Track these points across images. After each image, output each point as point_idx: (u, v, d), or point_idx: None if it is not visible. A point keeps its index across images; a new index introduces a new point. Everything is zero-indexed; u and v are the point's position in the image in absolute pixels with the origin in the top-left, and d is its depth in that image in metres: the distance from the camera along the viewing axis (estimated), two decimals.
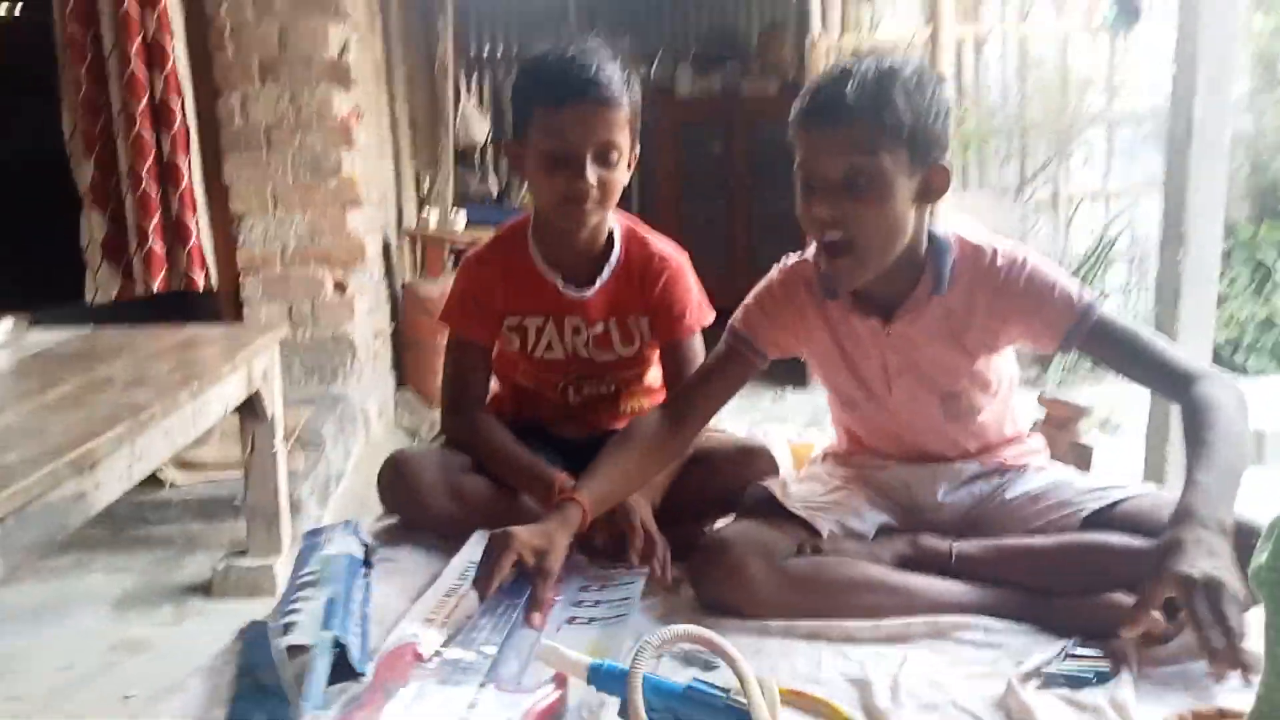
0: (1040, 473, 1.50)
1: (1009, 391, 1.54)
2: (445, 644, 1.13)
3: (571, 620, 1.27)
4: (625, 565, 1.39)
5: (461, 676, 1.06)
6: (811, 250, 1.44)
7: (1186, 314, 2.77)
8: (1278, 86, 5.16)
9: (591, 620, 1.26)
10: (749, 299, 1.52)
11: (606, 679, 0.94)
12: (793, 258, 1.51)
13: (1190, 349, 2.78)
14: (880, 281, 1.38)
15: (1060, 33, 4.93)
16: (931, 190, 1.33)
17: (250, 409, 2.42)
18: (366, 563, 1.29)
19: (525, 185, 1.77)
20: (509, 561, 1.23)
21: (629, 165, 1.52)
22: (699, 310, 1.65)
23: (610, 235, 1.61)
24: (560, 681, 1.02)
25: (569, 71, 1.42)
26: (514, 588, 1.24)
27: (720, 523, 1.52)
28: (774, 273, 1.52)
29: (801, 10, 4.83)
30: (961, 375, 1.45)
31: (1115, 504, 1.34)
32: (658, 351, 1.67)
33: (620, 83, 1.45)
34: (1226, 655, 1.02)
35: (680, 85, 6.48)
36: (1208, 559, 1.07)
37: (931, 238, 1.39)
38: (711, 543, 1.35)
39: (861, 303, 1.43)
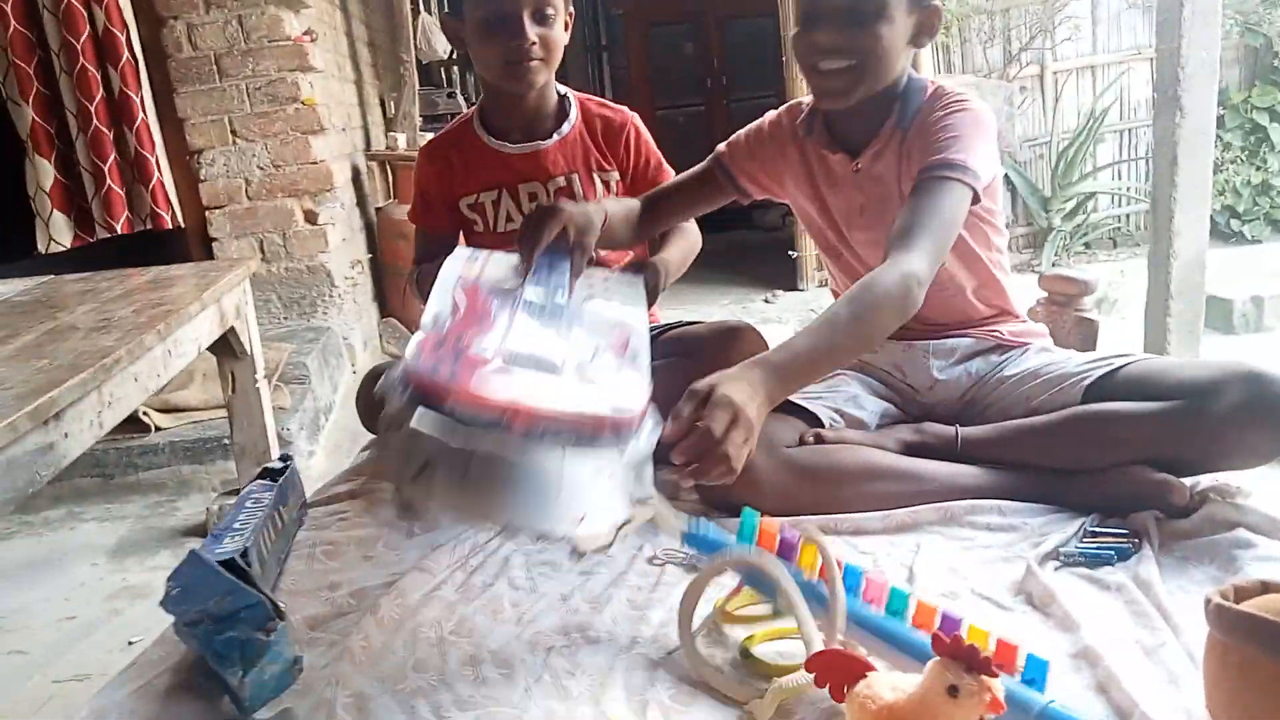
0: (1041, 353, 1.46)
1: (992, 265, 1.48)
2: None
3: (589, 298, 1.25)
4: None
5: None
6: (808, 99, 1.47)
7: (1184, 182, 2.70)
8: None
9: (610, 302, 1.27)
10: (739, 132, 1.57)
11: (702, 543, 0.99)
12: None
13: (1188, 218, 2.72)
14: (856, 118, 1.41)
15: None
16: (925, 30, 1.36)
17: (227, 347, 2.34)
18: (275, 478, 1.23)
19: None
20: (557, 227, 1.24)
21: (566, 26, 1.56)
22: (663, 162, 1.71)
23: (563, 99, 1.66)
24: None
25: None
26: (551, 259, 1.22)
27: None
28: (767, 114, 1.56)
29: None
30: None
31: (1117, 370, 1.30)
32: None
33: None
34: (704, 463, 0.97)
35: None
36: (733, 385, 1.03)
37: (908, 79, 1.41)
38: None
39: (836, 140, 1.44)
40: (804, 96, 1.51)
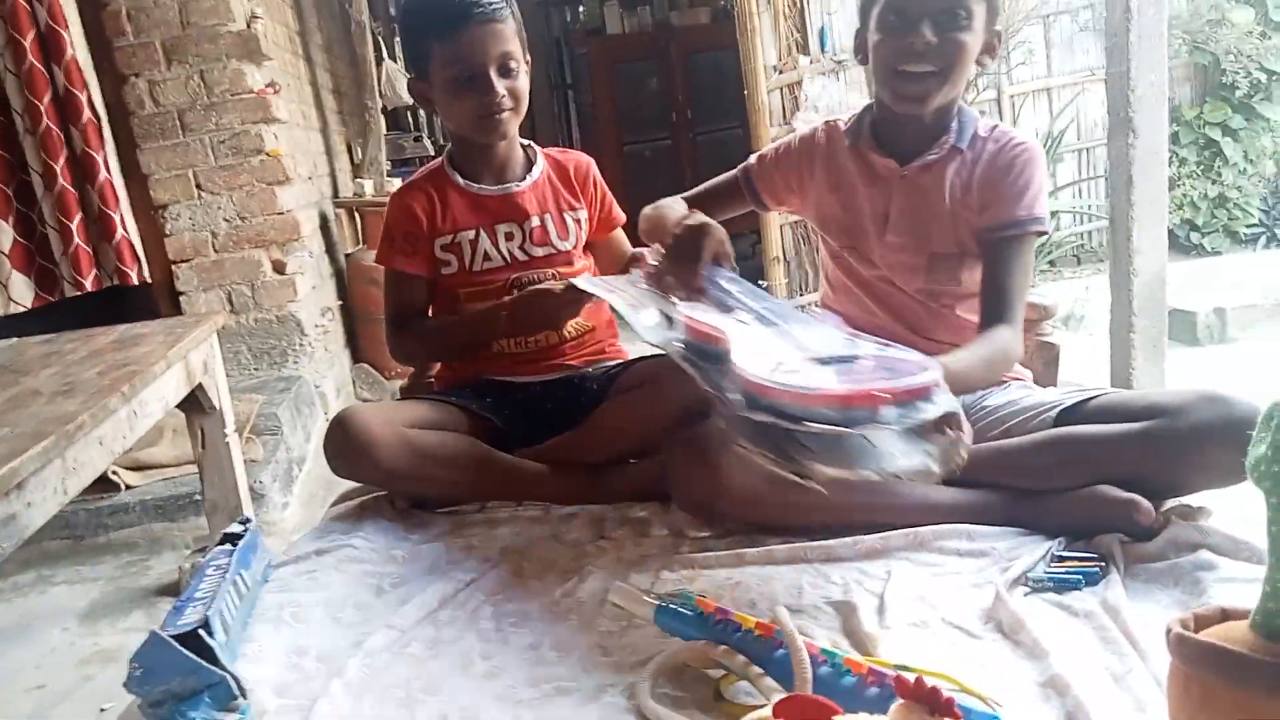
0: (1021, 387, 1.51)
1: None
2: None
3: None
4: None
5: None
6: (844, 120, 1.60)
7: (1140, 201, 2.75)
8: None
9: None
10: (768, 147, 1.69)
11: (672, 618, 0.99)
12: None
13: (1147, 236, 2.77)
14: (910, 128, 1.50)
15: None
16: (989, 50, 1.45)
17: (195, 403, 2.32)
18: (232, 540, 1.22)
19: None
20: (714, 245, 1.32)
21: (527, 74, 1.63)
22: (615, 202, 1.80)
23: (526, 148, 1.73)
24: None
25: (454, 2, 1.53)
26: (710, 271, 1.31)
27: None
28: (799, 131, 1.67)
29: None
30: (955, 237, 1.49)
31: (1088, 400, 1.34)
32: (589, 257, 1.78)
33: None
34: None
35: (610, 23, 6.34)
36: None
37: (961, 107, 1.51)
38: (683, 437, 1.34)
39: (883, 145, 1.52)
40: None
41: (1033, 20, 4.92)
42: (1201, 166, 5.10)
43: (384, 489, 1.49)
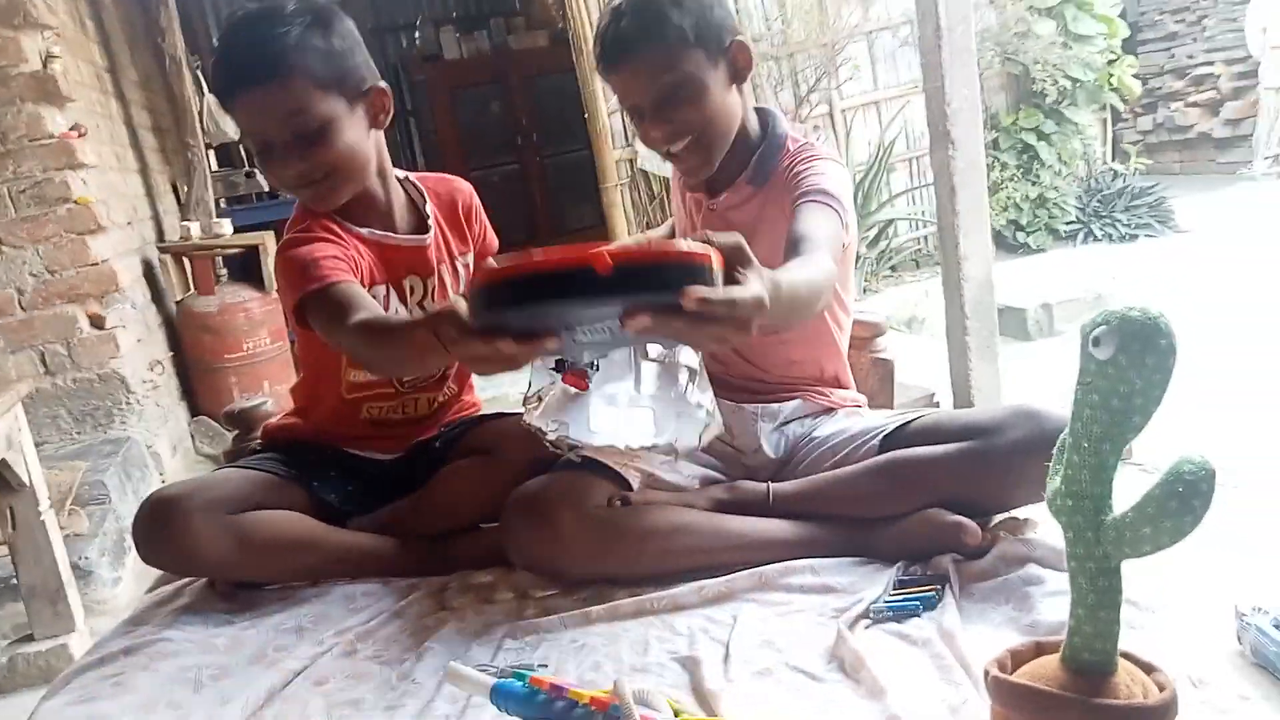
0: (851, 415, 1.52)
1: (837, 333, 1.54)
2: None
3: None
4: None
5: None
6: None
7: (964, 210, 2.87)
8: None
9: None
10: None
11: (506, 698, 0.93)
12: None
13: (972, 243, 2.90)
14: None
15: None
16: (739, 67, 1.39)
17: (1, 481, 2.12)
18: None
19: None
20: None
21: (374, 122, 1.35)
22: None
23: (407, 184, 1.47)
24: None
25: (230, 59, 1.26)
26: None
27: None
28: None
29: None
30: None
31: (911, 422, 1.37)
32: None
33: (286, 47, 1.22)
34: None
35: (447, 49, 6.25)
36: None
37: (771, 133, 1.47)
38: (520, 495, 1.28)
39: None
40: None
41: (857, 38, 5.11)
42: (1021, 170, 5.41)
43: (209, 576, 1.37)
